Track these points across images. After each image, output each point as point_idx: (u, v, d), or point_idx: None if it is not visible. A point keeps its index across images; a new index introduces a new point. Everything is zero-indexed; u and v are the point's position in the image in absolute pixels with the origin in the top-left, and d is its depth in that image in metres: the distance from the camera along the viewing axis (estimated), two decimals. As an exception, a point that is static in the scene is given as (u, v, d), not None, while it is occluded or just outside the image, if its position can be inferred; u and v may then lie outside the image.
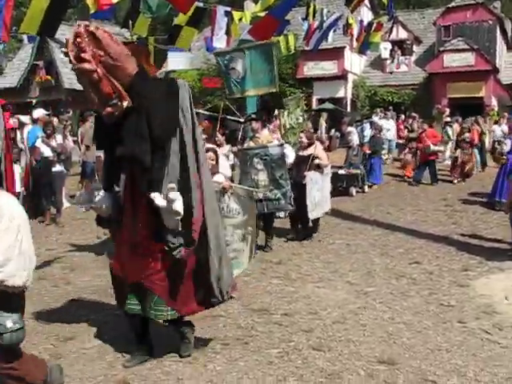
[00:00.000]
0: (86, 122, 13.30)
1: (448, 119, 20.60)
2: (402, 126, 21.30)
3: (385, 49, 28.99)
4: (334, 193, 11.40)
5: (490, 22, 27.46)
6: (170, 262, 4.20)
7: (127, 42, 7.97)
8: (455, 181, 14.74)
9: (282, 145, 8.37)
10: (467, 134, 15.07)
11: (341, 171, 13.66)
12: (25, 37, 16.42)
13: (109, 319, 5.58)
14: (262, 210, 7.93)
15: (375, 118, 22.15)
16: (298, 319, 5.58)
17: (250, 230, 6.62)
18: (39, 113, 11.61)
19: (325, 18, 12.21)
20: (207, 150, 6.13)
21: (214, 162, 6.29)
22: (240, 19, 10.36)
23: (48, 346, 4.91)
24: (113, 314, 5.65)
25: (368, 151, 14.70)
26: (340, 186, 13.40)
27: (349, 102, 28.39)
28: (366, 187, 14.11)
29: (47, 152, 10.53)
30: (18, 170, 10.59)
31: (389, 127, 20.43)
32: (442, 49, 27.07)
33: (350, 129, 17.54)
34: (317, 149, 8.86)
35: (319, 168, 8.79)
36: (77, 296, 6.41)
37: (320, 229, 9.55)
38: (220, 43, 10.13)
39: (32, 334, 5.17)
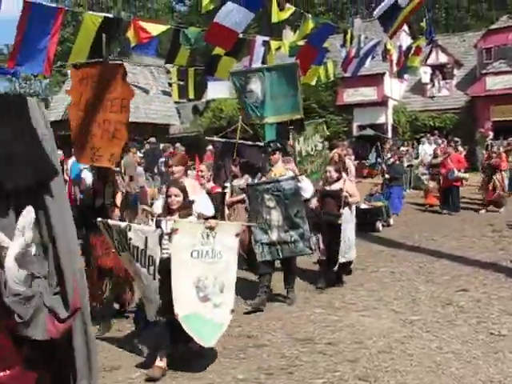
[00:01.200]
0: (129, 152, 13.57)
1: (490, 142, 20.29)
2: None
3: (425, 73, 28.83)
4: (359, 228, 10.91)
5: (532, 44, 27.06)
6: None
7: (101, 60, 7.40)
8: (482, 211, 14.18)
9: (295, 177, 7.07)
10: (493, 160, 14.53)
11: (363, 205, 12.53)
12: (69, 71, 16.94)
13: (153, 347, 5.59)
14: (276, 256, 7.01)
15: (426, 144, 21.99)
16: (343, 348, 5.49)
17: (230, 275, 5.39)
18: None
19: (362, 45, 12.25)
20: (169, 186, 5.44)
21: (179, 199, 5.26)
22: (278, 48, 10.47)
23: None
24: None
25: (387, 176, 14.04)
26: (364, 221, 12.00)
27: (389, 128, 28.21)
28: (391, 220, 13.13)
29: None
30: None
31: (431, 152, 20.12)
32: (483, 72, 26.73)
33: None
34: (346, 183, 8.01)
35: (349, 205, 7.92)
36: (120, 324, 6.45)
37: (363, 257, 9.43)
38: None
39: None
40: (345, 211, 7.73)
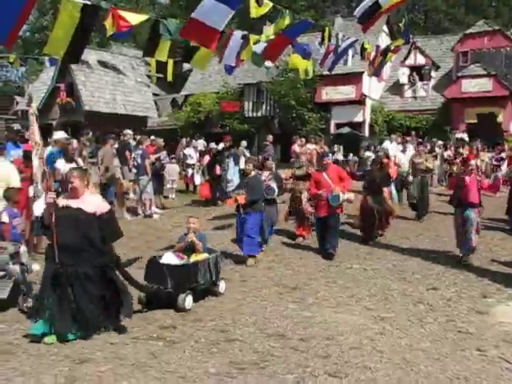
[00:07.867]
0: (106, 143, 13.46)
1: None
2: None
3: (403, 74, 29.11)
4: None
5: (508, 49, 27.48)
6: None
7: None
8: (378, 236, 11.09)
9: None
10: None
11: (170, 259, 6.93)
12: (46, 60, 16.70)
13: (124, 341, 5.57)
14: None
15: (387, 143, 18.02)
16: (315, 344, 5.54)
17: None
18: (60, 135, 11.72)
19: (340, 42, 12.28)
20: None
21: None
22: (256, 43, 10.44)
23: (63, 369, 4.89)
24: (128, 336, 5.66)
25: (242, 202, 8.88)
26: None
27: (367, 127, 28.39)
28: (221, 285, 7.28)
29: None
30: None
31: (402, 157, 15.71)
32: (459, 74, 27.05)
33: (367, 154, 17.41)
34: None
35: None
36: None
37: (338, 254, 9.49)
38: (230, 61, 10.11)
39: (47, 355, 5.17)
40: None
